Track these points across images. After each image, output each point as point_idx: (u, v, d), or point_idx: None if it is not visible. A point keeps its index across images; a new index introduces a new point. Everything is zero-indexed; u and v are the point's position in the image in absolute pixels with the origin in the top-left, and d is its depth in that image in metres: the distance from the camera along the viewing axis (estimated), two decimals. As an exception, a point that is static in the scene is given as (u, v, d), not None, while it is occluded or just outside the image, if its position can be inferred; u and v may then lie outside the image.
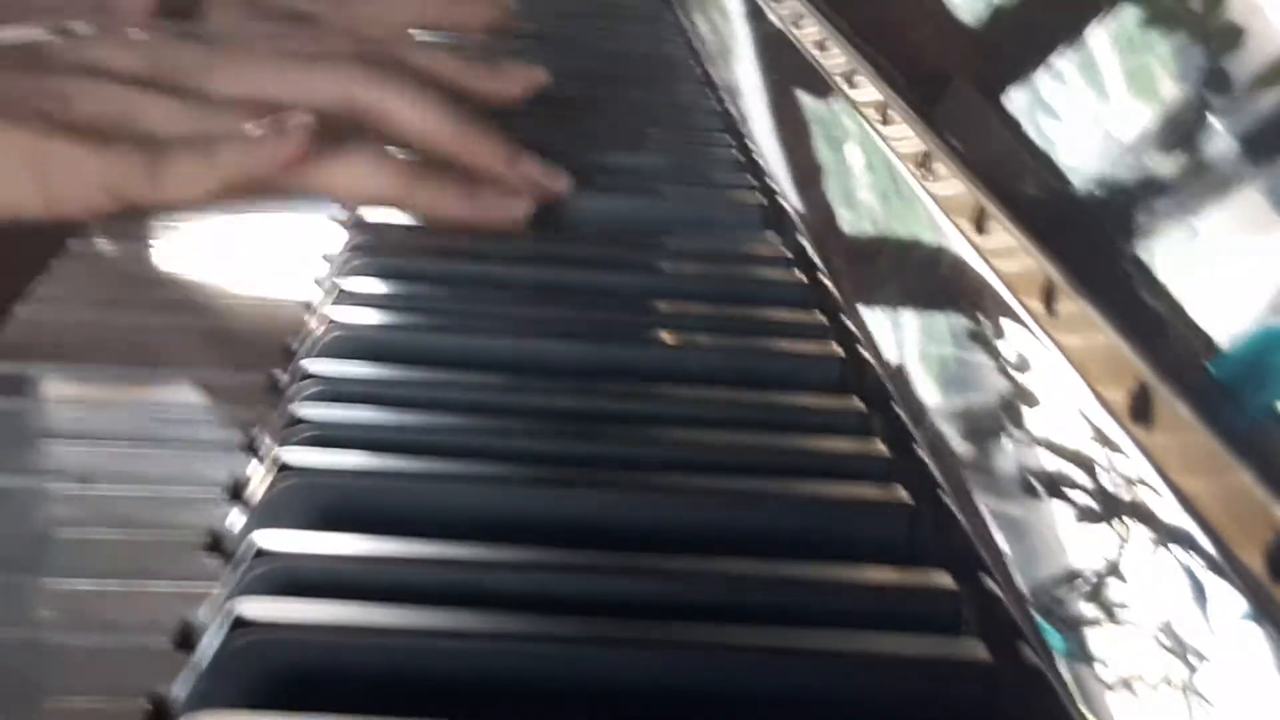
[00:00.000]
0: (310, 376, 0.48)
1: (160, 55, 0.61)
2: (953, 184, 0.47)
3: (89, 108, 0.57)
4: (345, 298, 0.55)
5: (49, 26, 0.62)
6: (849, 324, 0.53)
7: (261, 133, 0.57)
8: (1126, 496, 0.33)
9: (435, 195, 0.61)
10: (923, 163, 0.50)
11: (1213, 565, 0.29)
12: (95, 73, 0.59)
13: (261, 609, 0.36)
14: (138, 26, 0.65)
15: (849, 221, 0.58)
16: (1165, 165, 0.37)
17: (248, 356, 0.53)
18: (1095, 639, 0.33)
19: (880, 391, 0.48)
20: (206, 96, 0.59)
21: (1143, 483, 0.32)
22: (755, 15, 0.81)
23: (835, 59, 0.63)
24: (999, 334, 0.42)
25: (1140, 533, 0.32)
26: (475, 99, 0.65)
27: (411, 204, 0.61)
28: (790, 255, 0.63)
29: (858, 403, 0.50)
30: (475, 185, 0.62)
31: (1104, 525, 0.34)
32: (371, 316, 0.53)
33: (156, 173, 0.56)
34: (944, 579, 0.40)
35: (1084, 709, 0.32)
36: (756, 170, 0.70)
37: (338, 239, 0.62)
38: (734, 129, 0.76)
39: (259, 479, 0.43)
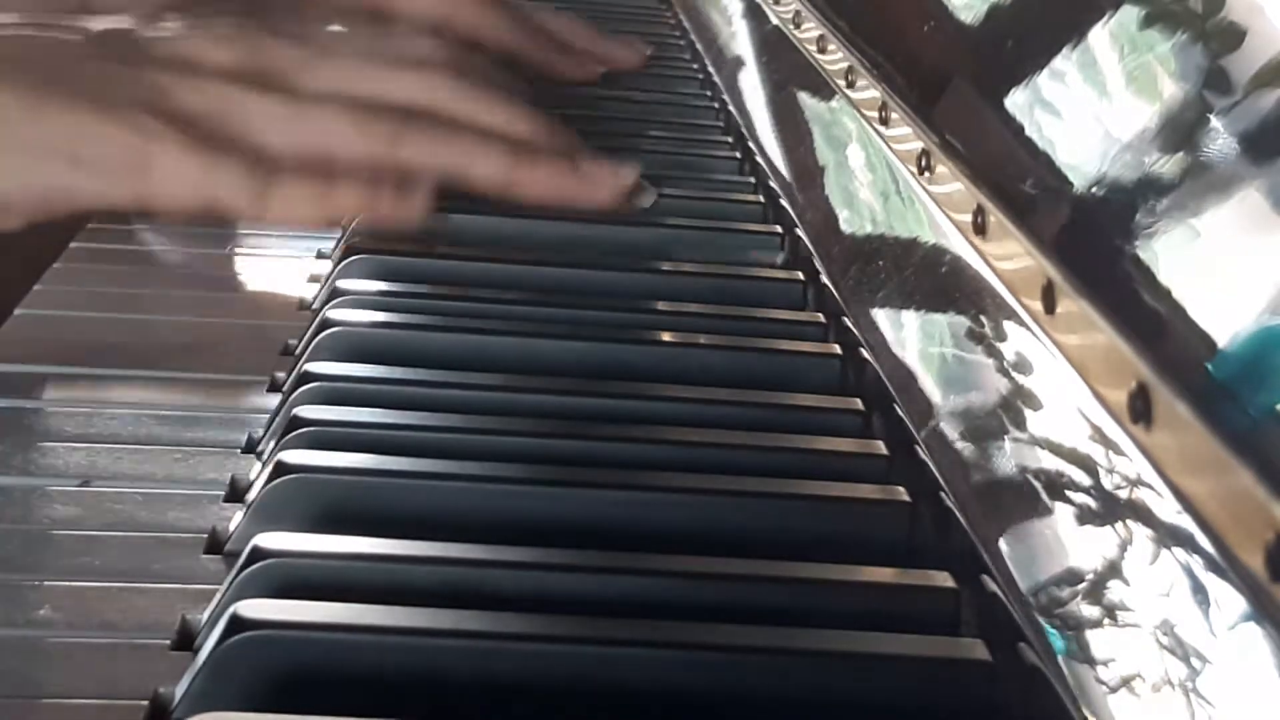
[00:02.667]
0: (310, 376, 0.48)
1: (253, 51, 0.60)
2: (953, 184, 0.47)
3: (188, 103, 0.57)
4: (345, 298, 0.55)
5: (138, 17, 0.61)
6: (849, 324, 0.53)
7: (386, 187, 0.57)
8: (1126, 497, 0.33)
9: (541, 174, 0.61)
10: (923, 163, 0.50)
11: (1213, 565, 0.29)
12: (192, 66, 0.59)
13: (261, 609, 0.36)
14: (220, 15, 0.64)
15: (849, 221, 0.58)
16: (1165, 165, 0.37)
17: (248, 356, 0.53)
18: (1095, 639, 0.33)
19: (880, 392, 0.48)
20: (301, 94, 0.59)
21: (1143, 483, 0.32)
22: (755, 15, 0.81)
23: (835, 59, 0.63)
24: (999, 334, 0.42)
25: (1140, 533, 0.32)
26: (594, 64, 0.65)
27: (518, 186, 0.61)
28: (790, 255, 0.63)
29: (858, 403, 0.50)
30: (577, 165, 0.62)
31: (1104, 526, 0.34)
32: (371, 316, 0.53)
33: (265, 196, 0.56)
34: (944, 579, 0.40)
35: (1084, 709, 0.32)
36: (756, 170, 0.70)
37: (336, 239, 0.62)
38: (734, 129, 0.76)
39: (259, 479, 0.43)
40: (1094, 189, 0.40)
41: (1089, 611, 0.34)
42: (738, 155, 0.74)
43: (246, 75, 0.59)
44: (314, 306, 0.57)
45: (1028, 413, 0.40)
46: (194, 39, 0.60)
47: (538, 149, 0.61)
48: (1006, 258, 0.42)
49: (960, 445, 0.42)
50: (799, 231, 0.61)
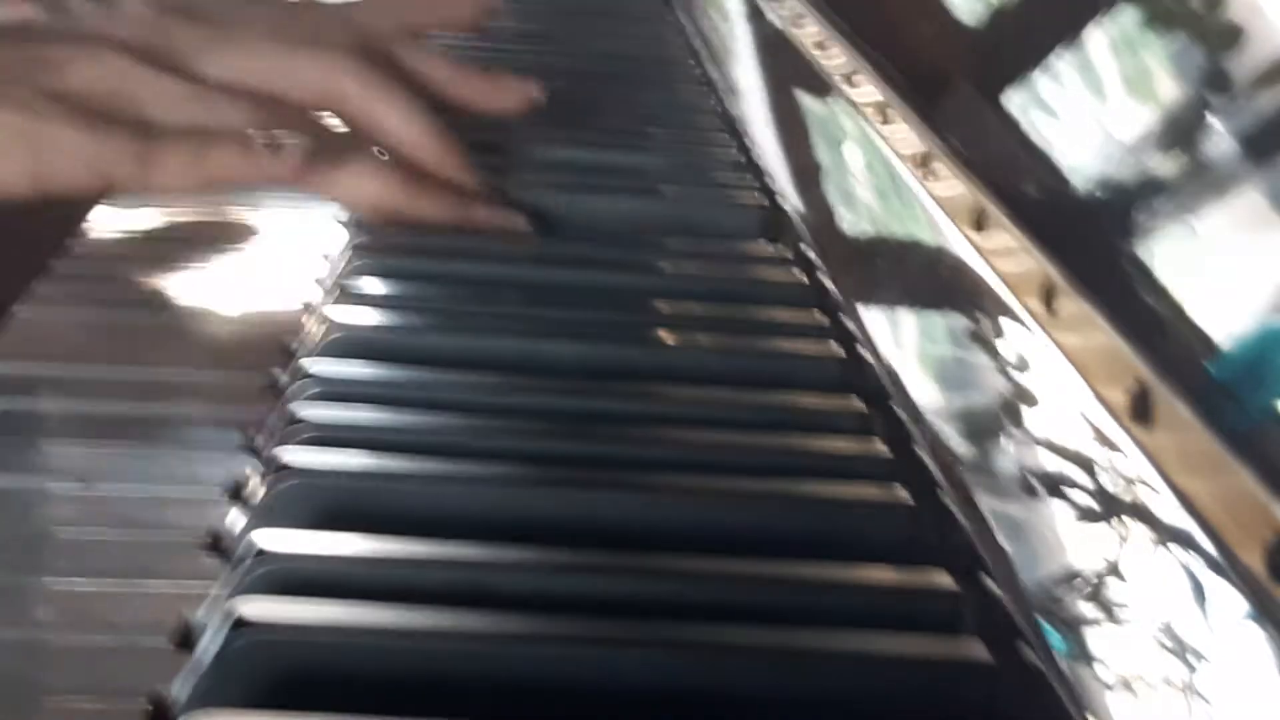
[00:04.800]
0: (310, 376, 0.48)
1: (155, 31, 0.60)
2: (953, 184, 0.47)
3: (81, 80, 0.57)
4: (345, 298, 0.55)
5: (45, 5, 0.61)
6: (849, 324, 0.53)
7: (258, 143, 0.57)
8: (1126, 496, 0.33)
9: (432, 204, 0.61)
10: (923, 163, 0.50)
11: (1213, 565, 0.29)
12: (89, 45, 0.59)
13: (261, 609, 0.36)
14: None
15: (849, 221, 0.58)
16: (1165, 165, 0.37)
17: (248, 356, 0.53)
18: (1095, 639, 0.33)
19: (880, 391, 0.48)
20: (200, 79, 0.59)
21: (1143, 483, 0.32)
22: (755, 15, 0.81)
23: (835, 59, 0.63)
24: (999, 334, 0.42)
25: (1140, 533, 0.32)
26: (468, 109, 0.65)
27: (410, 213, 0.61)
28: (790, 255, 0.63)
29: (858, 403, 0.50)
30: (468, 203, 0.62)
31: (1104, 525, 0.34)
32: (371, 316, 0.53)
33: (147, 161, 0.56)
34: (944, 579, 0.40)
35: (1084, 709, 0.32)
36: (756, 170, 0.70)
37: (338, 239, 0.62)
38: (734, 129, 0.76)
39: (259, 479, 0.43)
40: (1094, 189, 0.40)
41: (1089, 611, 0.34)
42: (738, 155, 0.74)
43: (147, 52, 0.59)
44: (315, 306, 0.57)
45: (1028, 413, 0.40)
46: (97, 19, 0.60)
47: (429, 178, 0.61)
48: (1007, 258, 0.42)
49: (960, 445, 0.42)
50: (799, 231, 0.61)
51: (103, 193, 0.58)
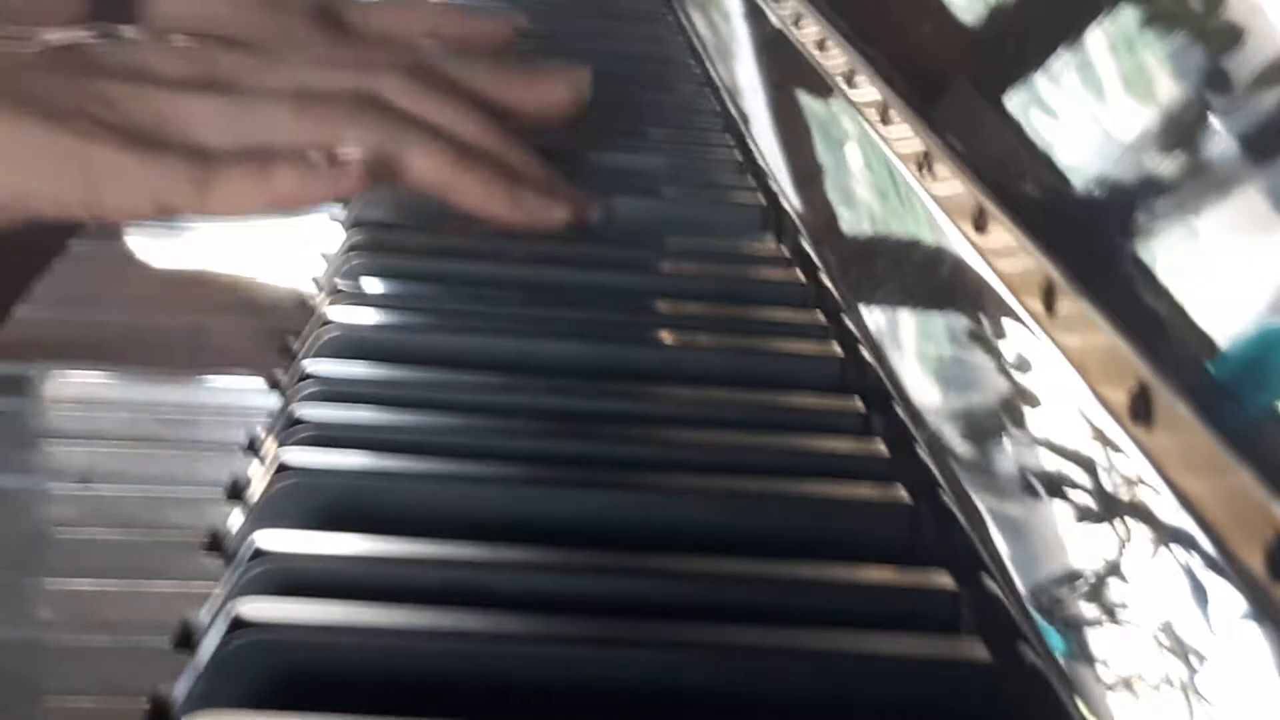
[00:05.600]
0: (310, 376, 0.48)
1: (203, 60, 0.61)
2: (953, 184, 0.47)
3: (134, 110, 0.57)
4: (344, 298, 0.55)
5: (93, 30, 0.62)
6: (849, 324, 0.53)
7: (320, 162, 0.57)
8: (1126, 496, 0.33)
9: (478, 187, 0.60)
10: (923, 163, 0.50)
11: (1213, 565, 0.29)
12: (140, 76, 0.59)
13: (261, 609, 0.36)
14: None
15: (849, 221, 0.58)
16: (1165, 165, 0.37)
17: (247, 356, 0.53)
18: (1095, 639, 0.33)
19: (880, 391, 0.48)
20: (255, 101, 0.59)
21: (1143, 483, 0.32)
22: (755, 15, 0.81)
23: (835, 59, 0.63)
24: (999, 334, 0.42)
25: (1140, 533, 0.32)
26: (516, 115, 0.65)
27: (457, 196, 0.61)
28: (790, 255, 0.63)
29: (858, 403, 0.50)
30: (519, 185, 0.61)
31: (1104, 525, 0.34)
32: (371, 316, 0.53)
33: (205, 187, 0.56)
34: (944, 579, 0.40)
35: (1084, 709, 0.32)
36: (756, 170, 0.70)
37: (337, 238, 0.62)
38: (734, 129, 0.76)
39: (259, 479, 0.43)
40: (1094, 189, 0.40)
41: (1089, 611, 0.34)
42: (737, 155, 0.74)
43: (194, 81, 0.59)
44: (314, 306, 0.57)
45: (1028, 412, 0.40)
46: (145, 49, 0.61)
47: (479, 157, 0.61)
48: (1006, 257, 0.42)
49: (960, 445, 0.42)
50: (799, 231, 0.61)
51: (158, 217, 0.58)
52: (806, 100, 0.68)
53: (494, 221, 0.60)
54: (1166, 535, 0.31)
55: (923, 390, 0.46)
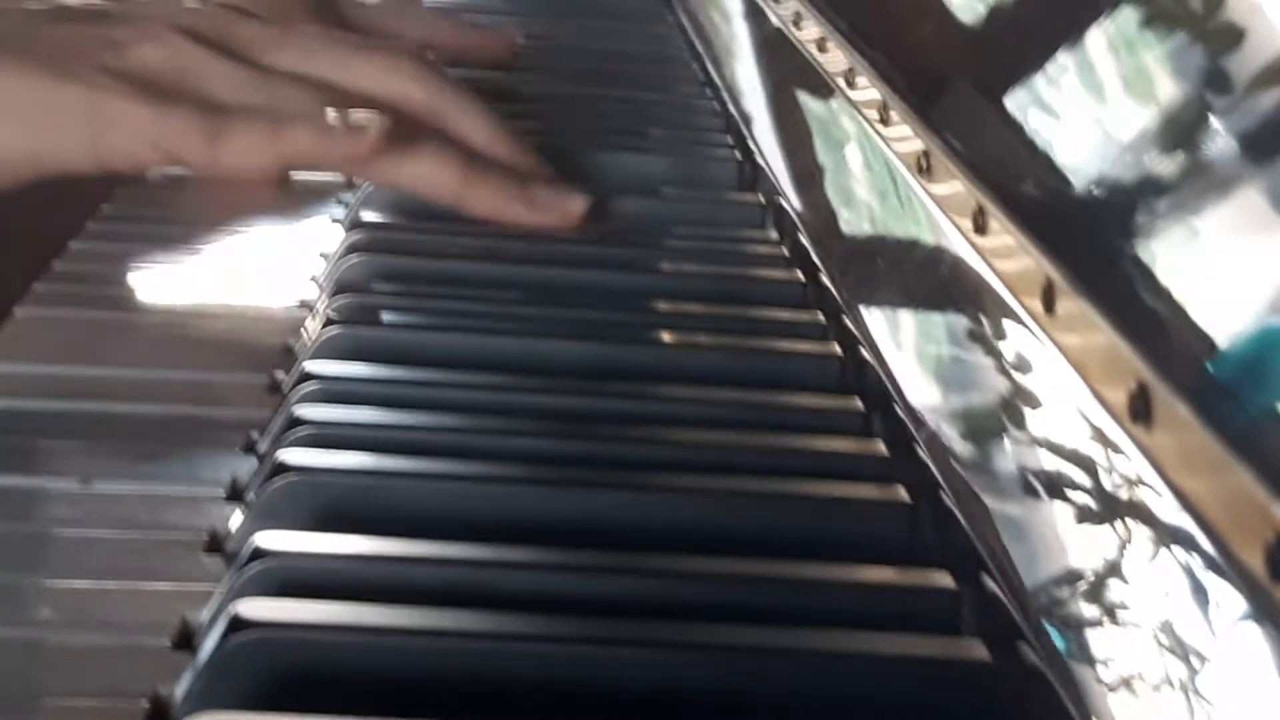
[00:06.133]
0: (310, 376, 0.48)
1: (223, 24, 0.60)
2: (953, 184, 0.47)
3: (144, 60, 0.57)
4: (345, 297, 0.55)
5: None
6: (849, 324, 0.53)
7: (336, 121, 0.57)
8: (1126, 496, 0.33)
9: (494, 196, 0.61)
10: (922, 163, 0.50)
11: (1213, 565, 0.29)
12: (153, 26, 0.58)
13: (261, 609, 0.36)
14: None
15: (849, 221, 0.58)
16: (1165, 165, 0.37)
17: (247, 357, 0.53)
18: (1095, 639, 0.33)
19: (880, 392, 0.48)
20: (269, 69, 0.59)
21: (1143, 483, 0.32)
22: (755, 15, 0.81)
23: (835, 59, 0.63)
24: (999, 334, 0.42)
25: (1140, 533, 0.32)
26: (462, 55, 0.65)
27: (471, 204, 0.61)
28: (790, 255, 0.63)
29: (858, 403, 0.50)
30: (530, 186, 0.62)
31: (1104, 525, 0.34)
32: (371, 317, 0.53)
33: (216, 140, 0.56)
34: (944, 579, 0.40)
35: (1084, 709, 0.32)
36: (756, 170, 0.70)
37: (337, 238, 0.62)
38: (734, 129, 0.76)
39: (259, 479, 0.43)
40: (1094, 189, 0.40)
41: (1089, 611, 0.34)
42: (737, 155, 0.74)
43: (209, 39, 0.59)
44: (314, 306, 0.57)
45: (1028, 413, 0.40)
46: (160, 7, 0.60)
47: (490, 167, 0.61)
48: (1006, 258, 0.42)
49: (960, 445, 0.42)
50: (799, 231, 0.61)
51: (166, 163, 0.57)
52: (806, 100, 0.68)
53: (510, 223, 0.61)
54: (1166, 535, 0.31)
55: (923, 390, 0.46)
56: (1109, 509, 0.34)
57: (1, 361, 0.52)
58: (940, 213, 0.47)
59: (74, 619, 0.38)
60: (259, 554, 0.38)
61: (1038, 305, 0.39)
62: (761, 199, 0.68)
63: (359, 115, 0.57)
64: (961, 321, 0.45)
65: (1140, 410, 0.33)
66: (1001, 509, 0.39)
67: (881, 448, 0.47)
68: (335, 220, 0.64)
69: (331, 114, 0.56)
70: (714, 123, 0.79)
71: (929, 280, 0.48)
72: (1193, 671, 0.30)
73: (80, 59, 0.56)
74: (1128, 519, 0.33)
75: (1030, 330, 0.39)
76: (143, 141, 0.56)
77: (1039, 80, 0.45)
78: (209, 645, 0.35)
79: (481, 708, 0.35)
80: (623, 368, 0.52)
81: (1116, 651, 0.33)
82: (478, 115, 0.62)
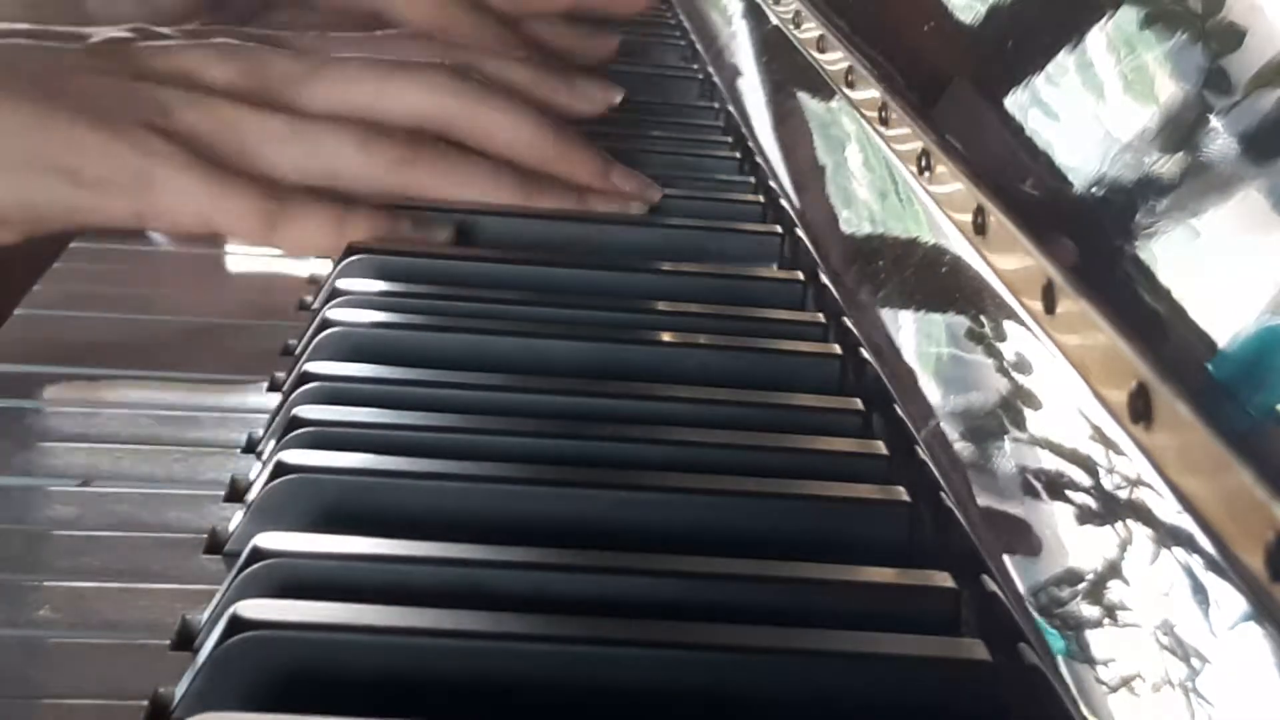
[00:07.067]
0: (310, 376, 0.48)
1: (253, 64, 0.60)
2: (953, 184, 0.47)
3: (194, 122, 0.56)
4: (344, 298, 0.55)
5: (133, 30, 0.61)
6: (849, 324, 0.53)
7: (398, 223, 0.57)
8: (1126, 496, 0.33)
9: (552, 203, 0.61)
10: (923, 163, 0.50)
11: (1213, 565, 0.29)
12: (191, 80, 0.58)
13: (260, 609, 0.36)
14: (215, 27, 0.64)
15: (849, 221, 0.58)
16: (1165, 165, 0.37)
17: (248, 356, 0.53)
18: (1095, 639, 0.33)
19: (880, 392, 0.48)
20: (304, 111, 0.59)
21: (1143, 483, 0.32)
22: (755, 15, 0.81)
23: (835, 59, 0.63)
24: (999, 334, 0.42)
25: (1140, 533, 0.32)
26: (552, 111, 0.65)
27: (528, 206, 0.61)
28: (790, 255, 0.63)
29: (858, 403, 0.50)
30: (584, 194, 0.62)
31: (1104, 525, 0.34)
32: (371, 316, 0.53)
33: (275, 223, 0.55)
34: (944, 579, 0.40)
35: (1084, 709, 0.32)
36: (756, 170, 0.70)
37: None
38: (734, 129, 0.76)
39: (259, 479, 0.43)
40: (1094, 189, 0.40)
41: (1089, 611, 0.34)
42: (737, 155, 0.74)
43: (247, 90, 0.59)
44: (314, 306, 0.57)
45: (1028, 413, 0.40)
46: (192, 50, 0.60)
47: (544, 182, 0.61)
48: (1006, 258, 0.42)
49: (960, 445, 0.42)
50: (799, 231, 0.61)
51: (212, 235, 0.57)
52: (806, 100, 0.68)
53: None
54: (1166, 535, 0.31)
55: (923, 390, 0.46)
56: (1109, 509, 0.34)
57: (1, 362, 0.52)
58: (940, 213, 0.47)
59: (74, 619, 0.38)
60: (259, 554, 0.38)
61: (1038, 305, 0.39)
62: (761, 199, 0.68)
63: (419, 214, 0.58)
64: (962, 321, 0.45)
65: (1140, 410, 0.33)
66: (1001, 509, 0.39)
67: (881, 448, 0.47)
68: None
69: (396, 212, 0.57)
70: (714, 122, 0.79)
71: (929, 280, 0.48)
72: (1193, 671, 0.30)
73: (124, 113, 0.55)
74: (1128, 519, 0.33)
75: (1030, 330, 0.39)
76: (193, 217, 0.55)
77: (1039, 80, 0.45)
78: (209, 645, 0.35)
79: (481, 708, 0.35)
80: (623, 368, 0.52)
81: (1116, 651, 0.33)
82: (521, 122, 0.62)
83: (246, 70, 0.59)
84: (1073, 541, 0.35)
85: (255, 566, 0.38)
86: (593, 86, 0.67)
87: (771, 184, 0.67)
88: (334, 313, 0.53)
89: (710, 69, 0.86)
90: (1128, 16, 0.42)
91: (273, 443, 0.45)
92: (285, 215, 0.55)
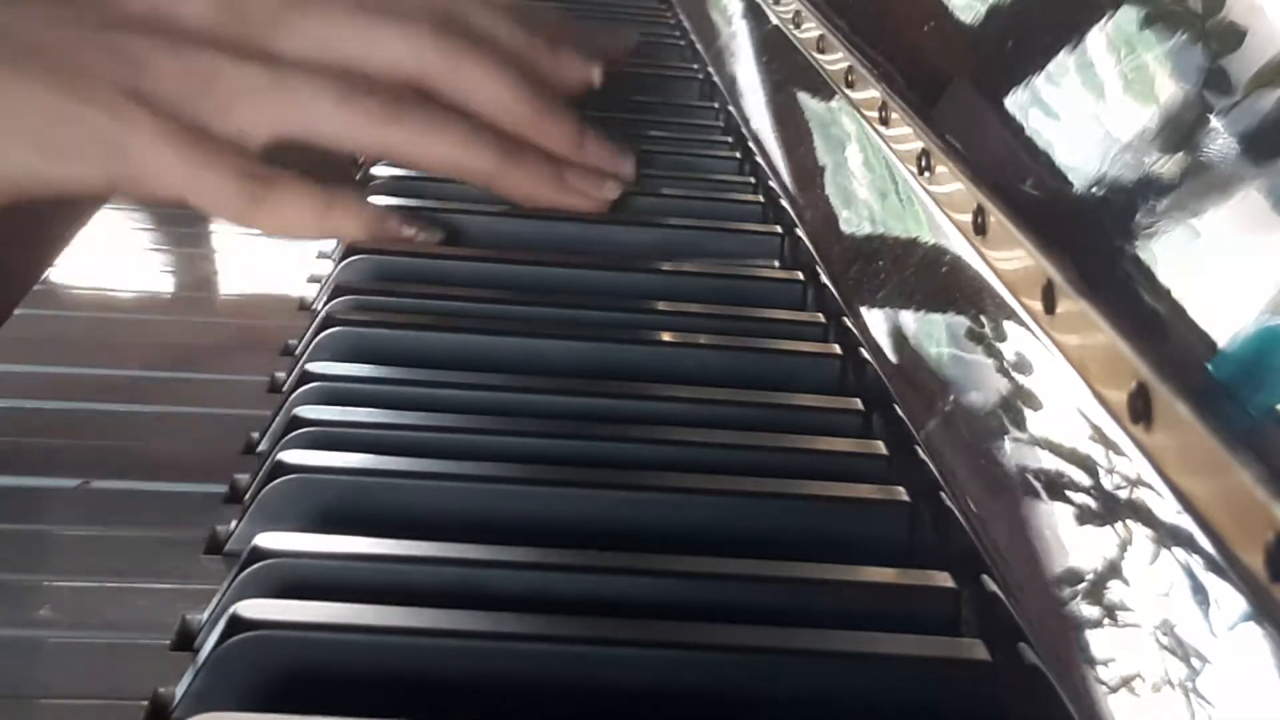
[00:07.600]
0: (310, 376, 0.48)
1: (229, 7, 0.58)
2: (953, 184, 0.47)
3: (167, 76, 0.54)
4: (344, 298, 0.55)
5: None
6: (849, 324, 0.53)
7: (385, 217, 0.57)
8: (1126, 496, 0.33)
9: (526, 177, 0.60)
10: (923, 163, 0.50)
11: (1213, 565, 0.29)
12: (165, 28, 0.56)
13: (260, 609, 0.36)
14: None
15: (849, 221, 0.58)
16: (1165, 165, 0.37)
17: (248, 356, 0.53)
18: (1095, 639, 0.33)
19: (880, 392, 0.48)
20: (280, 57, 0.57)
21: (1142, 483, 0.32)
22: (755, 15, 0.81)
23: (835, 59, 0.63)
24: (999, 334, 0.42)
25: (1140, 533, 0.32)
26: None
27: (501, 185, 0.60)
28: (790, 255, 0.63)
29: (858, 403, 0.50)
30: (562, 166, 0.61)
31: (1104, 525, 0.34)
32: (371, 317, 0.53)
33: (257, 203, 0.54)
34: (944, 579, 0.40)
35: (1084, 709, 0.32)
36: (756, 170, 0.70)
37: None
38: (734, 129, 0.76)
39: (259, 479, 0.43)
40: (1094, 189, 0.40)
41: (1089, 611, 0.34)
42: (737, 155, 0.74)
43: (223, 30, 0.57)
44: (314, 306, 0.57)
45: (1028, 413, 0.40)
46: None
47: (524, 150, 0.60)
48: (1006, 258, 0.42)
49: (960, 445, 0.42)
50: (799, 231, 0.61)
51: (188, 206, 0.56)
52: (806, 100, 0.68)
53: (539, 205, 0.60)
54: (1166, 535, 0.31)
55: (922, 390, 0.46)
56: (1109, 509, 0.34)
57: (1, 362, 0.52)
58: (940, 213, 0.47)
59: (74, 619, 0.38)
60: (259, 554, 0.38)
61: (1038, 305, 0.39)
62: (761, 199, 0.68)
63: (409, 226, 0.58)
64: (962, 321, 0.45)
65: (1140, 410, 0.33)
66: (1001, 509, 0.39)
67: (881, 448, 0.47)
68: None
69: (381, 208, 0.57)
70: (714, 122, 0.79)
71: (929, 280, 0.48)
72: (1193, 671, 0.30)
73: (94, 74, 0.53)
74: (1128, 519, 0.33)
75: (1030, 330, 0.39)
76: (170, 190, 0.54)
77: (1039, 80, 0.45)
78: (209, 645, 0.35)
79: (482, 708, 0.35)
80: (623, 368, 0.52)
81: (1116, 651, 0.33)
82: (502, 82, 0.60)
83: (221, 12, 0.57)
84: (1073, 541, 0.35)
85: (255, 566, 0.38)
86: (576, 59, 0.66)
87: (771, 184, 0.67)
88: (334, 313, 0.53)
89: (710, 69, 0.86)
90: (1128, 16, 0.42)
91: (273, 443, 0.45)
92: (268, 197, 0.54)
